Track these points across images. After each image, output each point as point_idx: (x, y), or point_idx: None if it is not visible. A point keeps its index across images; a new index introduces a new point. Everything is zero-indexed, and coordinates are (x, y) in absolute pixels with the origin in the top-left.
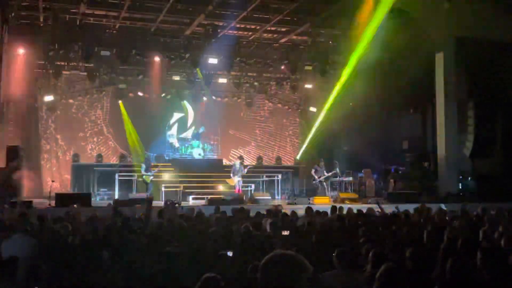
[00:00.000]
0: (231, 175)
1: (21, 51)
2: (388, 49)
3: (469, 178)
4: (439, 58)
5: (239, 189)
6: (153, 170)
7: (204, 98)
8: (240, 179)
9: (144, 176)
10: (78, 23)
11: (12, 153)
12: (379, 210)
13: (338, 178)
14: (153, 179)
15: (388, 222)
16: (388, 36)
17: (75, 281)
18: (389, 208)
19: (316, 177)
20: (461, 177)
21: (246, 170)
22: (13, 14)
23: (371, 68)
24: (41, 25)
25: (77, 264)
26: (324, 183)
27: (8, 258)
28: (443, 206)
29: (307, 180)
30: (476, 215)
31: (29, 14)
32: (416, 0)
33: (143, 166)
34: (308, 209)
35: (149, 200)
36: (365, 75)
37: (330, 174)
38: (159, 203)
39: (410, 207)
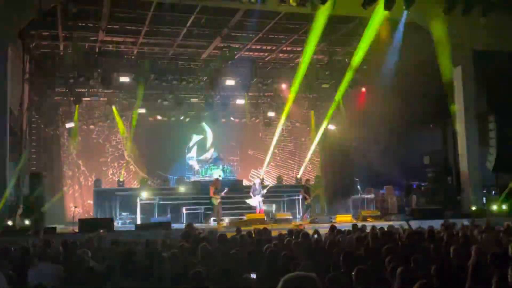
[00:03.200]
0: (251, 195)
1: (42, 79)
2: (406, 64)
3: (493, 192)
4: (458, 71)
5: (260, 209)
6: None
7: (223, 120)
8: (261, 199)
9: (212, 199)
10: (97, 50)
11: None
12: (408, 229)
13: (359, 195)
14: (172, 202)
15: (413, 239)
16: (406, 51)
17: None
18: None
19: (307, 196)
20: (484, 191)
21: (265, 190)
22: (34, 44)
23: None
24: (62, 53)
25: None
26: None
27: (36, 285)
28: (465, 221)
29: (328, 198)
30: (503, 230)
31: (50, 43)
32: (432, 15)
33: (212, 188)
34: (332, 228)
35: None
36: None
37: (315, 194)
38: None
39: (434, 223)
